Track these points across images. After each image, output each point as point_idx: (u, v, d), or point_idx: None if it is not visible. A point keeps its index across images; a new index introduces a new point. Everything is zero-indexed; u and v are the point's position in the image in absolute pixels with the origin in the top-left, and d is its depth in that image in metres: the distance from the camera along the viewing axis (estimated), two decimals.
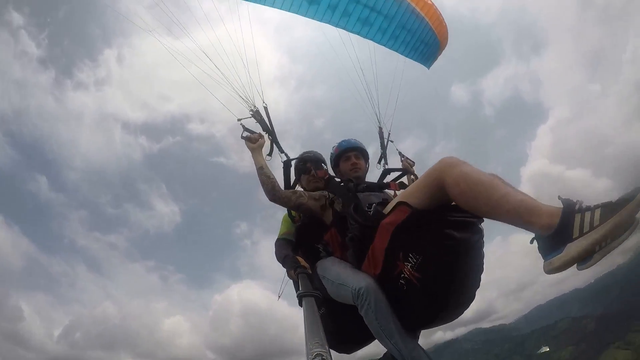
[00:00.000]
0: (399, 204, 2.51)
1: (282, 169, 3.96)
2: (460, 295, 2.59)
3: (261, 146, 3.85)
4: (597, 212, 1.81)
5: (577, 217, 1.84)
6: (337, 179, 3.59)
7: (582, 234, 1.81)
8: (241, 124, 4.06)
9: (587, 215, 1.82)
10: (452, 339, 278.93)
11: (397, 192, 3.61)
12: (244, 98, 4.17)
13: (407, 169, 4.43)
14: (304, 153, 4.35)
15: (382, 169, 4.33)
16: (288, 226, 3.95)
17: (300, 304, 2.44)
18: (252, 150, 3.79)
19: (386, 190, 3.76)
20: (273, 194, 3.41)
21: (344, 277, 2.85)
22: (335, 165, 4.04)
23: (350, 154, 3.91)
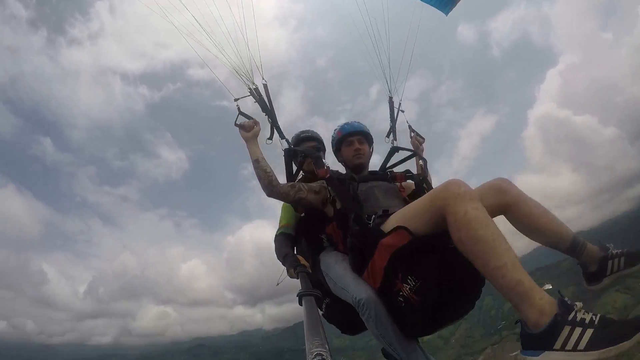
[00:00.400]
0: (399, 227, 2.45)
1: (282, 157, 3.70)
2: (460, 310, 2.58)
3: (256, 134, 3.46)
4: (588, 335, 1.72)
5: (566, 330, 1.75)
6: (339, 179, 3.18)
7: (563, 349, 1.74)
8: (237, 105, 3.59)
9: (577, 332, 1.73)
10: None
11: (402, 185, 3.53)
12: (243, 74, 3.70)
13: (416, 147, 4.17)
14: (302, 133, 4.18)
15: (390, 144, 4.17)
16: (288, 217, 3.78)
17: (300, 303, 2.40)
18: (246, 140, 3.44)
19: (391, 178, 3.62)
20: (270, 189, 3.20)
21: (346, 282, 2.84)
22: (337, 149, 3.78)
23: (353, 139, 3.63)
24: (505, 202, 2.53)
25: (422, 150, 4.20)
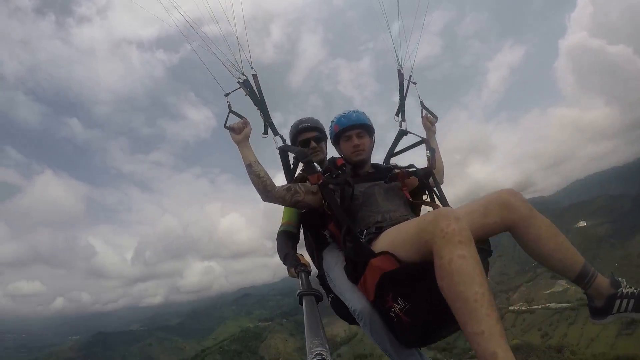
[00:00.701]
0: (387, 252, 2.37)
1: (278, 155, 3.49)
2: (452, 327, 2.39)
3: (247, 136, 3.24)
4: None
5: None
6: (331, 186, 2.97)
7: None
8: (228, 102, 3.32)
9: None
10: None
11: (405, 182, 3.25)
12: (232, 64, 3.34)
13: (427, 129, 3.89)
14: (300, 123, 3.86)
15: (398, 126, 3.85)
16: (290, 214, 3.67)
17: (301, 303, 2.40)
18: (237, 143, 3.23)
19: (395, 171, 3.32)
20: (265, 194, 3.06)
21: (343, 289, 2.84)
22: (335, 143, 3.52)
23: (351, 133, 3.32)
24: (511, 221, 2.34)
25: (434, 132, 3.92)
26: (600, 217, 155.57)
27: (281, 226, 3.67)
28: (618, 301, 2.29)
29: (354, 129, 3.34)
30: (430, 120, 3.91)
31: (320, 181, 2.94)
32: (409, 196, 3.21)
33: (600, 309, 2.36)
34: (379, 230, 2.73)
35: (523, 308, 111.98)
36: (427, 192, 3.28)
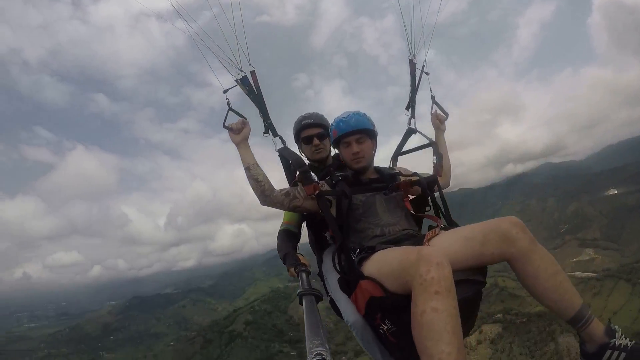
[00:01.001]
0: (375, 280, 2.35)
1: (287, 152, 3.28)
2: None
3: (246, 137, 3.09)
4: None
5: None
6: (328, 198, 2.93)
7: None
8: (227, 100, 3.15)
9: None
10: (522, 172, 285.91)
11: (407, 197, 3.17)
12: (229, 60, 3.14)
13: (437, 127, 3.71)
14: (303, 119, 3.72)
15: (407, 124, 3.71)
16: (291, 213, 3.57)
17: (301, 303, 2.40)
18: (236, 144, 3.09)
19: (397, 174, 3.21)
20: (263, 199, 2.97)
21: (338, 298, 2.86)
22: (335, 147, 3.31)
23: (350, 139, 3.09)
24: (509, 254, 2.24)
25: (444, 130, 3.73)
26: (632, 186, 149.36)
27: (282, 225, 3.65)
28: (609, 351, 2.19)
29: (354, 135, 3.11)
30: (439, 118, 3.73)
31: (317, 192, 2.88)
32: (410, 208, 3.14)
33: (591, 355, 2.25)
34: (372, 250, 2.63)
35: None
36: (430, 203, 3.16)
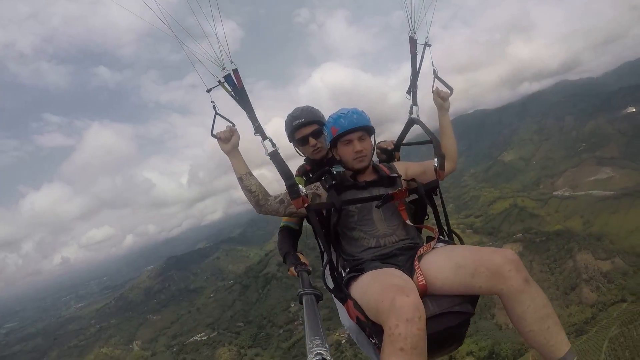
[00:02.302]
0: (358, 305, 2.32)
1: (276, 159, 2.82)
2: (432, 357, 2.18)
3: (236, 145, 2.91)
4: None
5: None
6: (316, 214, 2.77)
7: None
8: (213, 104, 2.86)
9: None
10: (538, 90, 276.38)
11: (403, 205, 2.89)
12: (211, 60, 2.79)
13: (439, 106, 3.26)
14: (294, 119, 3.50)
15: (408, 113, 3.39)
16: None
17: (301, 302, 2.37)
18: (226, 153, 2.93)
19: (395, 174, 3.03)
20: (259, 209, 2.88)
21: (336, 301, 2.90)
22: (332, 146, 3.01)
23: (351, 137, 2.88)
24: (498, 290, 2.13)
25: (447, 108, 3.29)
26: None
27: (283, 221, 3.51)
28: None
29: (356, 132, 2.90)
30: (442, 95, 3.26)
31: (305, 205, 2.70)
32: (406, 217, 2.86)
33: None
34: (361, 270, 2.55)
35: (567, 194, 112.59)
36: (431, 208, 3.06)
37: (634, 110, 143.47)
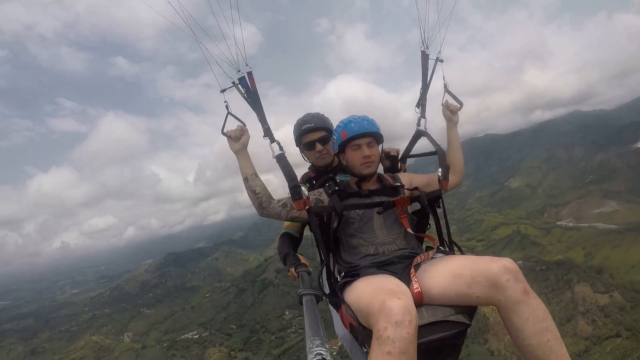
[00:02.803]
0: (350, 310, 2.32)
1: (282, 162, 2.90)
2: None
3: (245, 145, 2.95)
4: None
5: None
6: (317, 218, 2.81)
7: None
8: (226, 103, 2.92)
9: None
10: (550, 119, 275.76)
11: (405, 214, 2.88)
12: (227, 61, 2.86)
13: (448, 119, 3.33)
14: (304, 123, 3.55)
15: (416, 125, 3.41)
16: None
17: (301, 303, 2.38)
18: (235, 152, 2.96)
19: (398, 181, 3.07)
20: (261, 211, 2.88)
21: (331, 308, 2.89)
22: (340, 151, 3.03)
23: (361, 142, 2.90)
24: (496, 301, 2.08)
25: (456, 122, 3.35)
26: None
27: (284, 228, 3.52)
28: None
29: (365, 138, 2.92)
30: (451, 109, 3.34)
31: (307, 207, 2.75)
32: (407, 226, 2.85)
33: None
34: (356, 274, 2.54)
35: (570, 225, 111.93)
36: (433, 218, 3.04)
37: None
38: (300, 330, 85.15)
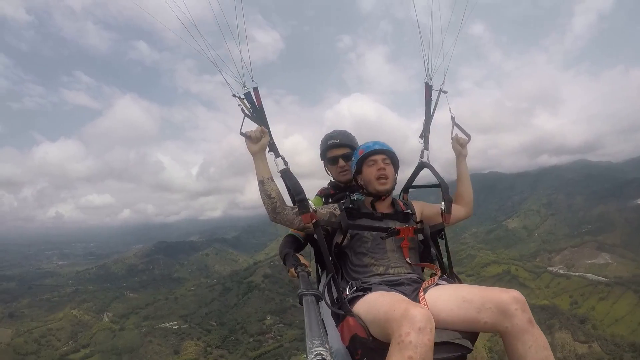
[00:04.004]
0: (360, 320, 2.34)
1: (287, 176, 2.95)
2: None
3: (264, 147, 2.94)
4: None
5: None
6: (324, 231, 2.88)
7: None
8: (240, 106, 2.97)
9: None
10: (555, 165, 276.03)
11: (407, 243, 2.95)
12: (233, 76, 2.91)
13: (458, 153, 3.45)
14: (330, 139, 3.63)
15: (419, 157, 3.46)
16: None
17: (301, 303, 2.36)
18: (253, 154, 2.93)
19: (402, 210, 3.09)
20: (274, 216, 2.87)
21: (327, 321, 2.85)
22: (357, 172, 3.11)
23: (377, 157, 3.00)
24: (503, 328, 2.16)
25: (465, 156, 3.44)
26: None
27: (290, 231, 3.50)
28: None
29: (381, 154, 3.03)
30: (460, 142, 3.43)
31: (314, 221, 2.77)
32: (407, 256, 2.94)
33: None
34: (368, 290, 2.58)
35: (561, 272, 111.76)
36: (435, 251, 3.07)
37: None
38: (279, 337, 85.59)
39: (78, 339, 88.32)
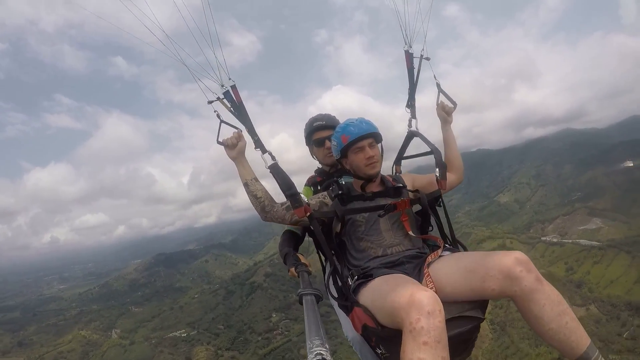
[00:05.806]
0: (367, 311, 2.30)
1: (276, 171, 2.82)
2: None
3: (242, 151, 2.94)
4: None
5: None
6: (319, 222, 2.76)
7: None
8: (217, 113, 2.93)
9: None
10: (541, 137, 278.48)
11: (406, 216, 2.89)
12: (209, 76, 2.91)
13: (443, 120, 3.37)
14: (315, 121, 3.62)
15: (407, 126, 3.37)
16: None
17: (301, 303, 2.34)
18: (233, 159, 2.96)
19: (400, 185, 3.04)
20: (264, 216, 2.85)
21: (338, 312, 2.94)
22: (342, 156, 3.01)
23: (363, 144, 2.89)
24: (512, 292, 2.11)
25: (451, 122, 3.37)
26: None
27: (287, 227, 3.47)
28: None
29: (367, 139, 2.91)
30: (446, 109, 3.36)
31: (308, 214, 2.67)
32: (409, 228, 2.86)
33: None
34: (370, 276, 2.54)
35: (555, 240, 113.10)
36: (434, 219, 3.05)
37: (632, 164, 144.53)
38: (287, 332, 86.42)
39: (90, 358, 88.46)
